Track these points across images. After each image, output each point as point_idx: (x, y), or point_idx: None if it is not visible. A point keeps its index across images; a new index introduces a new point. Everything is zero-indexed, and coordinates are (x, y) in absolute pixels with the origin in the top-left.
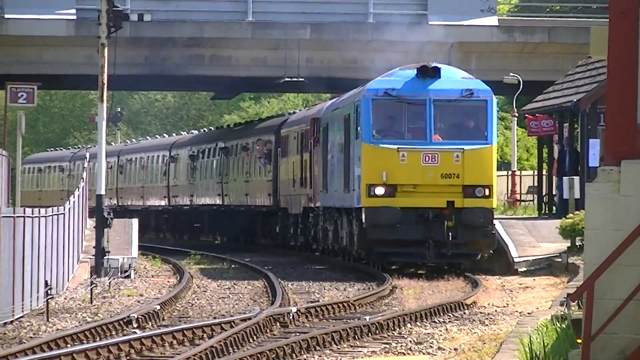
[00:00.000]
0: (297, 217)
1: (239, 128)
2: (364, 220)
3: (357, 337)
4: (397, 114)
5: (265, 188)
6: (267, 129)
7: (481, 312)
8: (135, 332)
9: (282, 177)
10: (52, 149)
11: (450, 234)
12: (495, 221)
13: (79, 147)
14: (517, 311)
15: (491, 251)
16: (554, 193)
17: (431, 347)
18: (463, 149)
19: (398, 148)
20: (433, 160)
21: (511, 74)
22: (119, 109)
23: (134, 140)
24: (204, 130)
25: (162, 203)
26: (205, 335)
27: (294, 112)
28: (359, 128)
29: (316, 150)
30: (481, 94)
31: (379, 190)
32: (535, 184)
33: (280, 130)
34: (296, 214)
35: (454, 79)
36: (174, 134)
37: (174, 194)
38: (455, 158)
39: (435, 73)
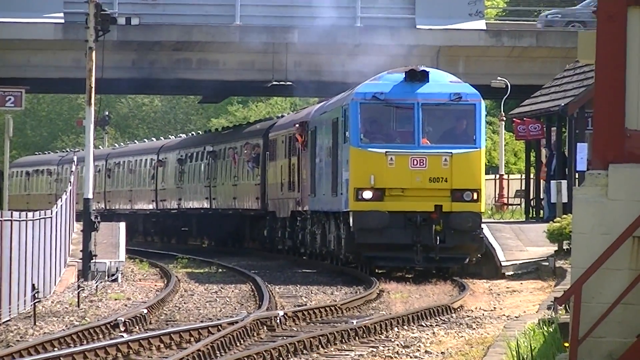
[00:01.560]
0: (285, 220)
1: (227, 132)
2: (351, 224)
3: (344, 341)
4: (385, 118)
5: (253, 192)
6: (256, 132)
7: (468, 316)
8: (123, 336)
9: (270, 180)
10: (40, 153)
11: (438, 238)
12: (482, 225)
13: (67, 151)
14: (504, 315)
15: (479, 255)
16: (541, 197)
17: (418, 350)
18: (451, 152)
19: (386, 152)
20: (421, 164)
21: (499, 78)
22: (107, 113)
23: (122, 143)
24: (192, 134)
25: (150, 207)
26: (192, 339)
27: (282, 116)
28: (347, 132)
29: (304, 154)
30: (469, 98)
31: (367, 194)
32: (523, 188)
33: (269, 133)
34: (284, 217)
35: (442, 82)
36: (162, 138)
37: (161, 198)
38: (443, 162)
39: (423, 77)
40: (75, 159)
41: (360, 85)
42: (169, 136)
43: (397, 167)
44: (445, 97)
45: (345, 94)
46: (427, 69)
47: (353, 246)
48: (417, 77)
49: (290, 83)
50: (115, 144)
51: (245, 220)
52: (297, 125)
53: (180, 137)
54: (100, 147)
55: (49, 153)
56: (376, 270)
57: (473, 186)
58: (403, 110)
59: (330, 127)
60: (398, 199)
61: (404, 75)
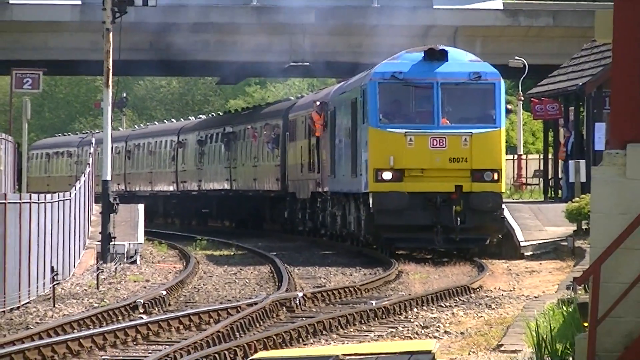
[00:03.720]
0: (305, 202)
1: (247, 112)
2: (371, 205)
3: (363, 322)
4: (404, 98)
5: (273, 173)
6: (275, 113)
7: (487, 296)
8: (142, 318)
9: (290, 161)
10: (60, 135)
11: (458, 218)
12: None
13: (87, 133)
14: (523, 295)
15: (500, 236)
16: (560, 177)
17: (438, 331)
18: (471, 132)
19: (405, 132)
20: (441, 144)
21: (516, 57)
22: (124, 95)
23: (141, 125)
24: (211, 115)
25: (170, 188)
26: (211, 320)
27: (302, 96)
28: (365, 112)
29: (324, 135)
30: (489, 77)
31: (387, 175)
32: (541, 168)
33: (288, 114)
34: (304, 199)
35: (461, 61)
36: (181, 119)
37: (182, 179)
38: (463, 142)
39: (442, 56)
40: (93, 140)
41: (379, 64)
42: (188, 117)
43: (416, 148)
44: (465, 76)
45: (363, 74)
46: (446, 48)
47: (372, 227)
48: (436, 56)
49: (307, 64)
50: (135, 126)
51: (266, 202)
52: (315, 103)
53: (200, 118)
54: (119, 128)
55: (69, 135)
56: (396, 252)
57: (493, 166)
58: (422, 90)
59: (349, 108)
60: (418, 180)
61: (423, 55)
